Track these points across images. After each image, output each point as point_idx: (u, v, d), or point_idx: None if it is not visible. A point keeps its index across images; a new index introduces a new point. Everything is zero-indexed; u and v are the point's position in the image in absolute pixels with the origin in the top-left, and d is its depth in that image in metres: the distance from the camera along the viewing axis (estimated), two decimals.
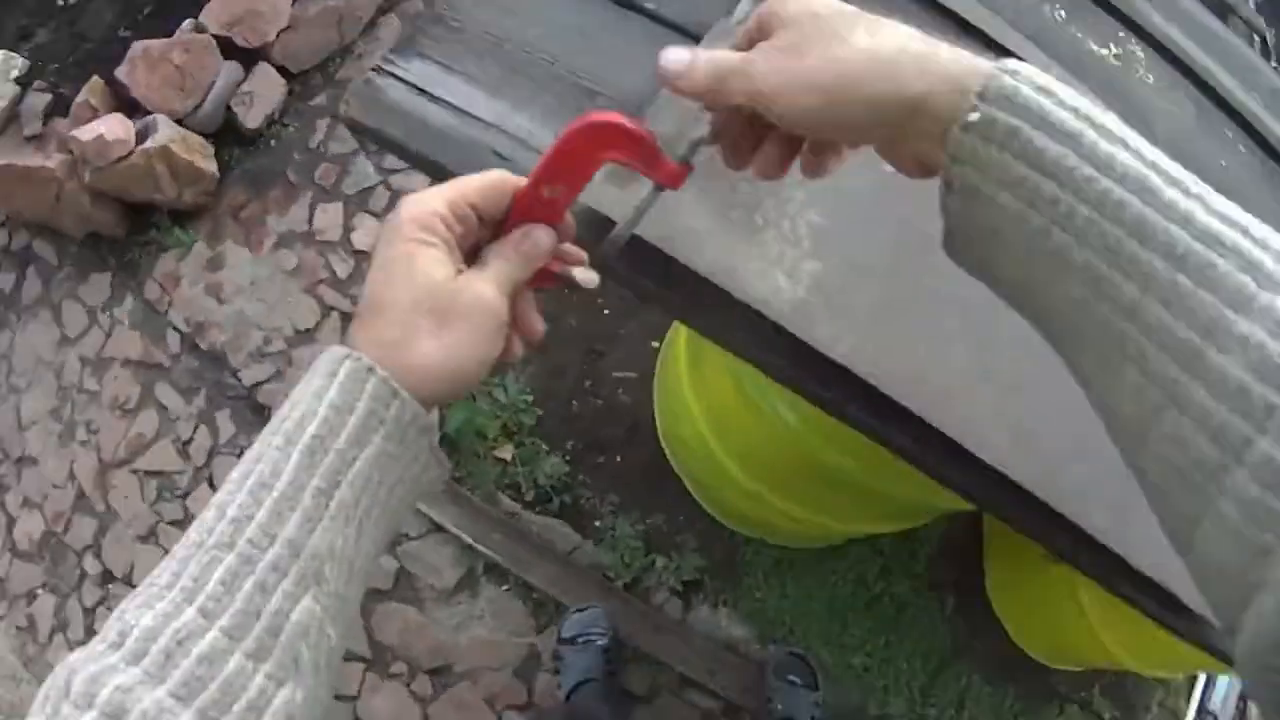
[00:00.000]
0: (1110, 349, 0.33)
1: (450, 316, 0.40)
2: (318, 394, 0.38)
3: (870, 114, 0.38)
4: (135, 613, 0.35)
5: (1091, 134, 0.33)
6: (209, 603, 0.35)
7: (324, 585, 0.37)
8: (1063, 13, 0.78)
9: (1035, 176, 0.33)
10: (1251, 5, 1.14)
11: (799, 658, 1.52)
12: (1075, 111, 0.34)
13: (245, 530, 0.36)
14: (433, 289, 0.40)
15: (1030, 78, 0.34)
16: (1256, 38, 1.10)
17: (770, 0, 0.41)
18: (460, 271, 0.42)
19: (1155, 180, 0.32)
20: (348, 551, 0.38)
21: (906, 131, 0.37)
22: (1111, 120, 0.34)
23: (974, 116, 0.34)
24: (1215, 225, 0.31)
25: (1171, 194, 0.32)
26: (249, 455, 0.38)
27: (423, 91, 0.63)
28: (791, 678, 1.48)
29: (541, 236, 0.43)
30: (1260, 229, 0.31)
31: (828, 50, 0.38)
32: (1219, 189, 0.32)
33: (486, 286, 0.41)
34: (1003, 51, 0.69)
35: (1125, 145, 0.33)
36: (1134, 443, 0.33)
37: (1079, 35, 0.78)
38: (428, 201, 0.41)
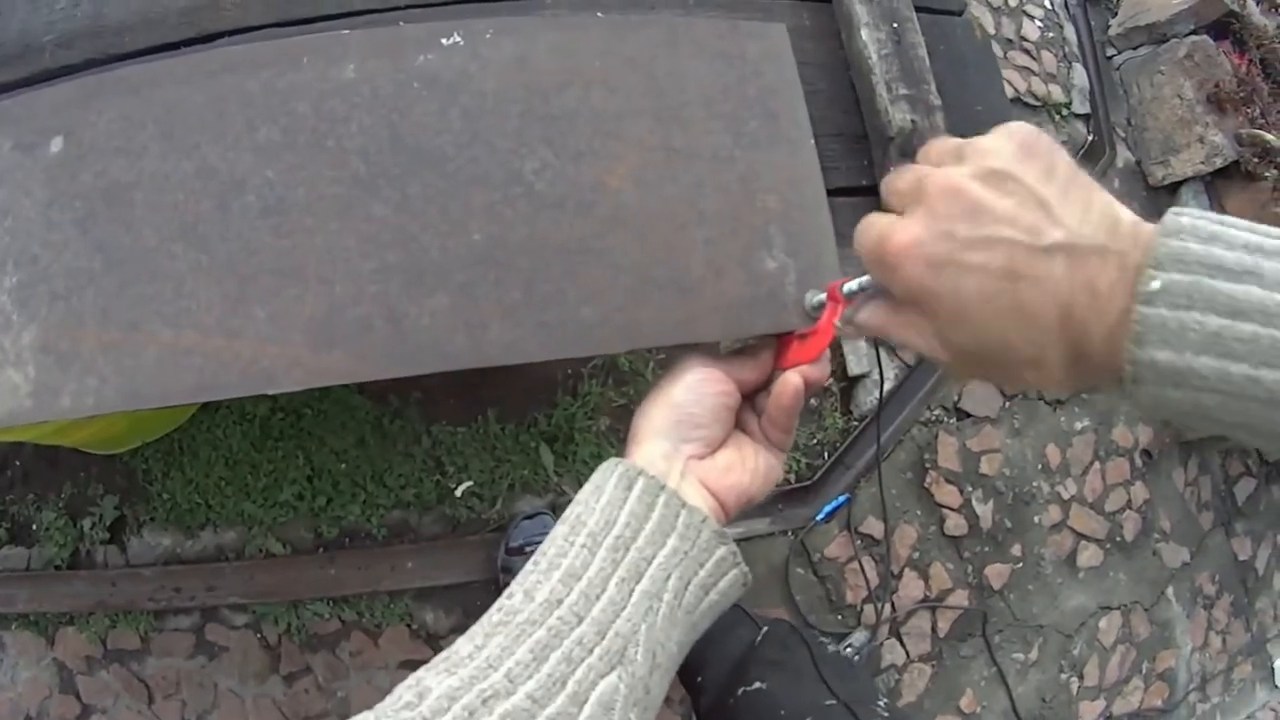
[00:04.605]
0: None
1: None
2: (614, 503, 0.42)
3: (1013, 359, 0.38)
4: (435, 678, 0.35)
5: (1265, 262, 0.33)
6: (516, 668, 0.36)
7: (628, 666, 0.38)
8: None
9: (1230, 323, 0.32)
10: None
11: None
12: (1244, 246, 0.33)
13: (555, 611, 0.38)
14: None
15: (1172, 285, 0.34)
16: None
17: (924, 180, 0.39)
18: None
19: None
20: (651, 640, 0.40)
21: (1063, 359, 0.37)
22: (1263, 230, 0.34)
23: (1155, 283, 0.33)
24: None
25: None
26: (550, 551, 0.41)
27: None
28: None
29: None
30: None
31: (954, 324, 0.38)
32: None
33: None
34: None
35: None
36: None
37: None
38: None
